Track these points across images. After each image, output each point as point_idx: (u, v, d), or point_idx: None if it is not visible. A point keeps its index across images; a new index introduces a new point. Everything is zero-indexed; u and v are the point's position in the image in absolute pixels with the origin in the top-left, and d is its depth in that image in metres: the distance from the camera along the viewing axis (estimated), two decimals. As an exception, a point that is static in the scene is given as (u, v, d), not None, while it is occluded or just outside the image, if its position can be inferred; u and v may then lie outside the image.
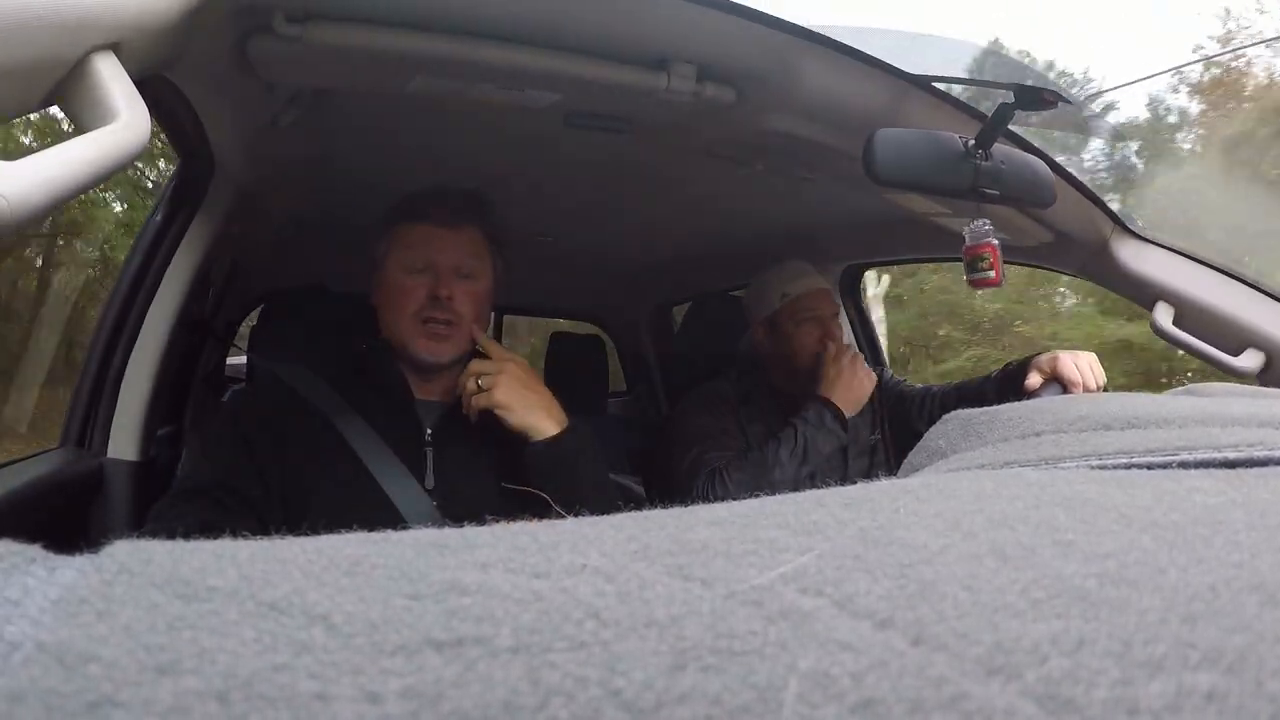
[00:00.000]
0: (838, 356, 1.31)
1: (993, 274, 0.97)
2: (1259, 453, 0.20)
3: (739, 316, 1.52)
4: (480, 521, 0.17)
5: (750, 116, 0.98)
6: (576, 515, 0.17)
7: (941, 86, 0.95)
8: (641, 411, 2.45)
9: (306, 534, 0.15)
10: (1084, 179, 1.08)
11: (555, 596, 0.13)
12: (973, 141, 0.84)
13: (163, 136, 0.96)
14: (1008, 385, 1.19)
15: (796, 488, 1.24)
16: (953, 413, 0.28)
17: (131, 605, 0.12)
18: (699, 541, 0.15)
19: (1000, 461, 0.22)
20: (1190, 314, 1.10)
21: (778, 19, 0.80)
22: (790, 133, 1.00)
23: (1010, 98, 0.82)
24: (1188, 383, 0.33)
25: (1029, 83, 0.82)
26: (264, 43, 0.77)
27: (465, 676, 0.11)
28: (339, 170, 1.33)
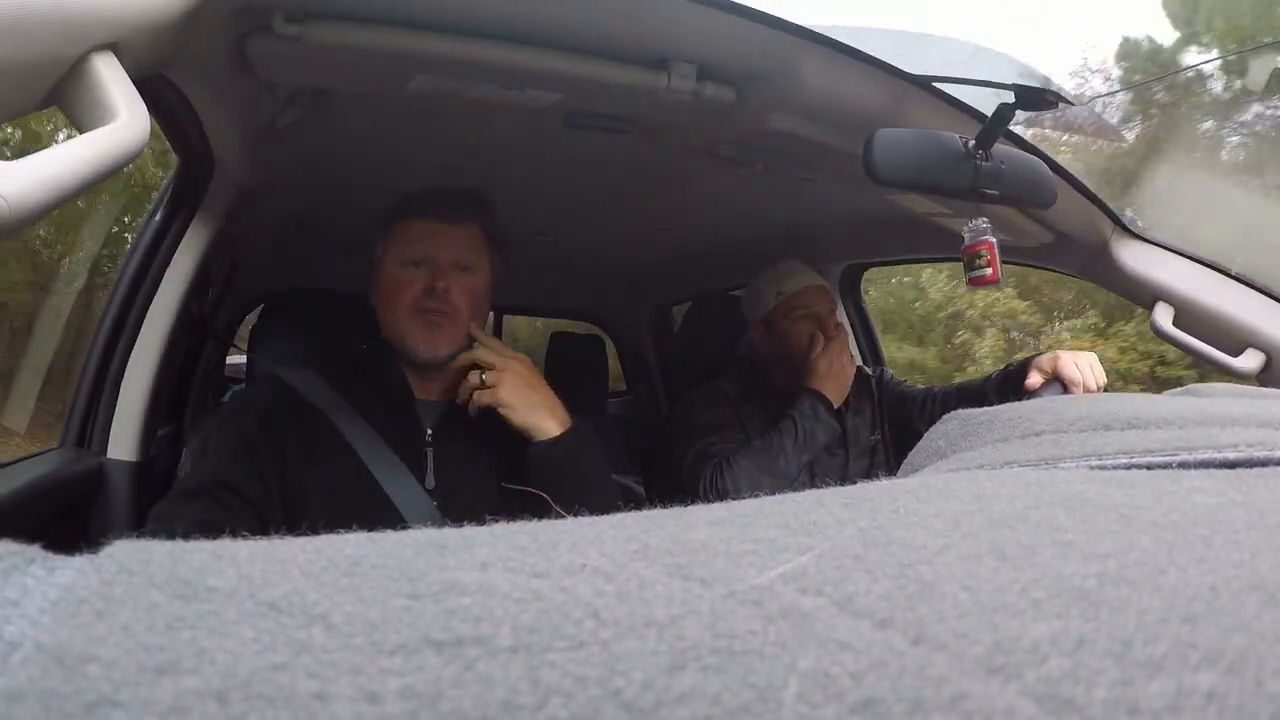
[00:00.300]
0: (826, 347, 1.31)
1: (990, 271, 0.97)
2: (1259, 453, 0.20)
3: (739, 316, 1.52)
4: (480, 521, 0.17)
5: (750, 116, 0.98)
6: (577, 515, 0.17)
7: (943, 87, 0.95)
8: (641, 411, 2.45)
9: (306, 534, 0.15)
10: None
11: (555, 596, 0.13)
12: (973, 141, 0.84)
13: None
14: (1008, 385, 1.20)
15: (798, 477, 1.24)
16: (953, 413, 0.28)
17: (131, 605, 0.12)
18: (699, 541, 0.15)
19: (1000, 461, 0.22)
20: (1190, 314, 1.10)
21: (778, 19, 0.80)
22: (790, 132, 1.00)
23: (1011, 98, 0.83)
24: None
25: (1029, 83, 0.82)
26: (263, 42, 0.77)
27: (464, 676, 0.11)
28: (338, 170, 1.33)
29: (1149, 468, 0.20)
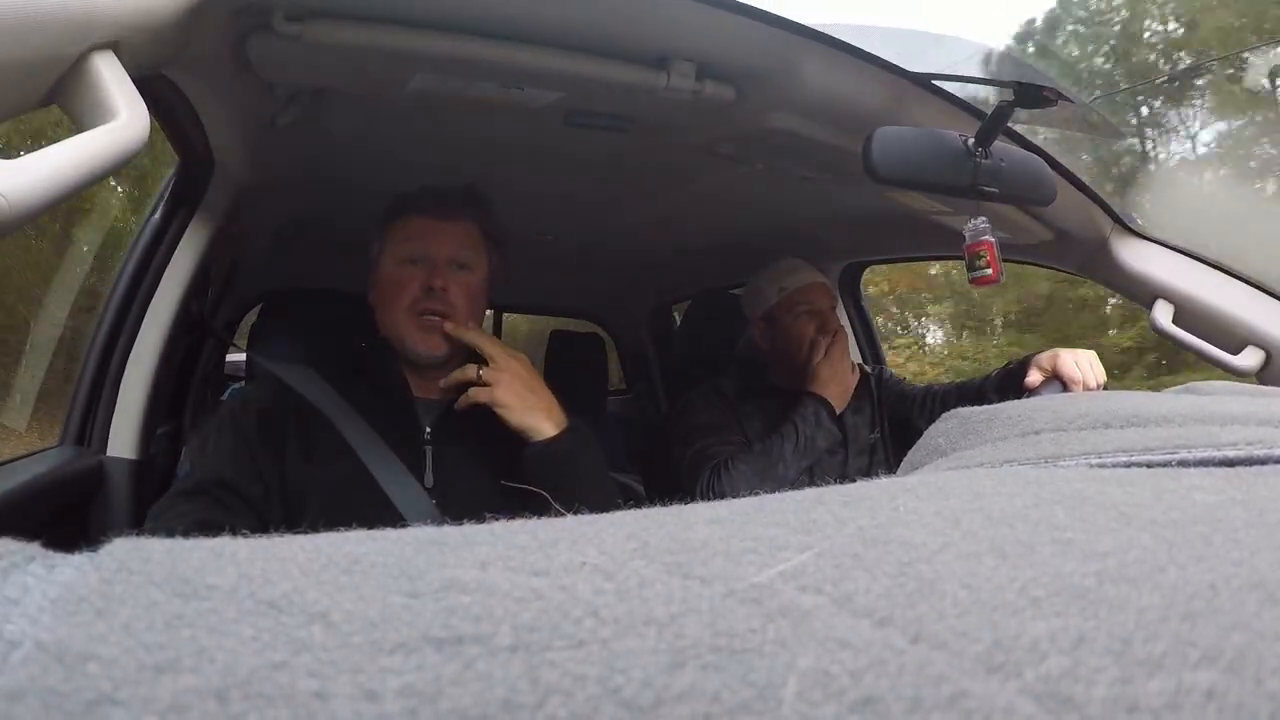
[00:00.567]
0: (829, 352, 1.31)
1: (990, 271, 0.97)
2: (1259, 451, 0.20)
3: (739, 314, 1.52)
4: (479, 520, 0.17)
5: (750, 115, 0.98)
6: (576, 514, 0.17)
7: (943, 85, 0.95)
8: (641, 410, 2.45)
9: (305, 532, 0.15)
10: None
11: (554, 594, 0.13)
12: (972, 139, 0.84)
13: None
14: (1008, 383, 1.20)
15: (796, 483, 1.24)
16: (952, 411, 0.28)
17: (130, 603, 0.12)
18: (698, 539, 0.15)
19: (1000, 459, 0.22)
20: (1189, 312, 1.10)
21: (777, 17, 0.80)
22: (790, 131, 1.00)
23: (1010, 96, 0.82)
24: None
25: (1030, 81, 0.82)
26: (263, 41, 0.77)
27: (464, 674, 0.11)
28: (338, 170, 1.33)
29: (1148, 466, 0.20)
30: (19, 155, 0.36)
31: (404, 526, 0.16)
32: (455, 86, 0.91)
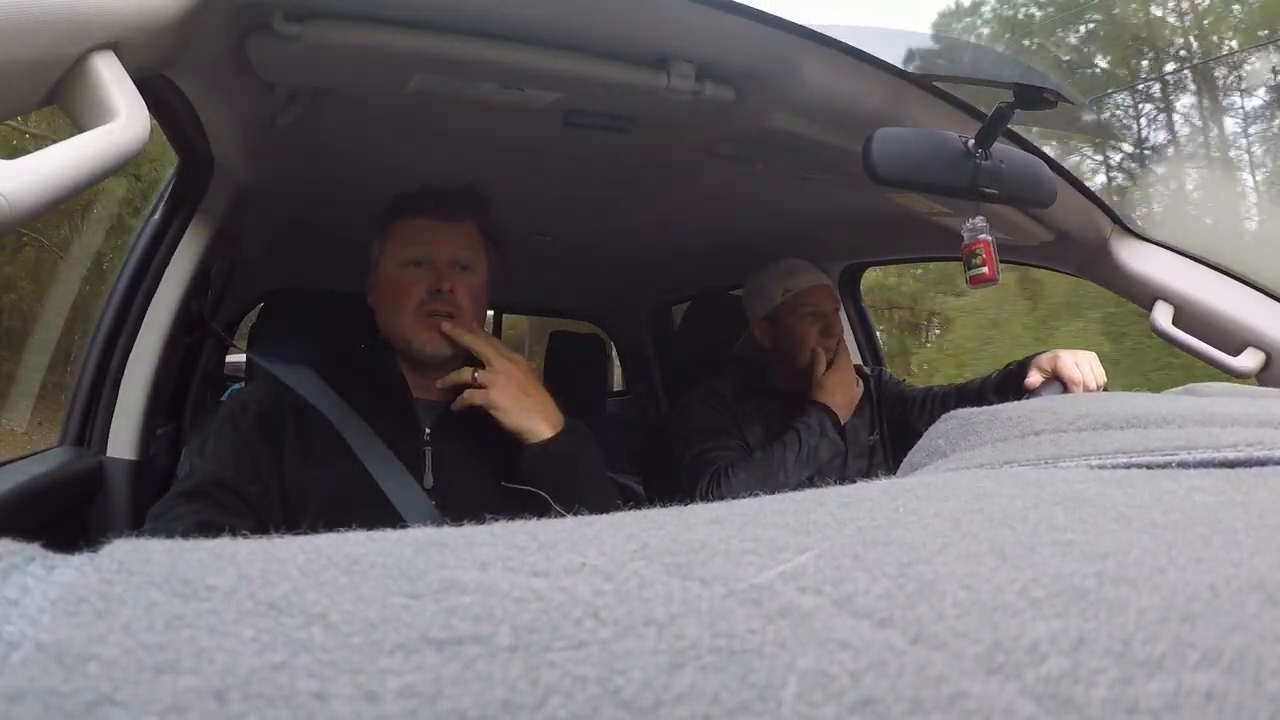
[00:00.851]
0: (835, 362, 1.31)
1: (986, 270, 0.97)
2: (1259, 453, 0.20)
3: (739, 315, 1.52)
4: (479, 520, 0.17)
5: (750, 115, 0.98)
6: (575, 515, 0.17)
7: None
8: (641, 411, 2.45)
9: (305, 533, 0.15)
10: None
11: (554, 595, 0.13)
12: (972, 140, 0.84)
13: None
14: (1008, 384, 1.19)
15: (796, 490, 1.24)
16: (952, 412, 0.28)
17: (130, 604, 0.12)
18: (698, 540, 0.15)
19: (999, 460, 0.22)
20: (1189, 313, 1.10)
21: (777, 18, 0.80)
22: (790, 131, 1.00)
23: (1010, 97, 0.82)
24: None
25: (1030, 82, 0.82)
26: (263, 41, 0.77)
27: (464, 675, 0.11)
28: (338, 170, 1.33)
29: (1148, 467, 0.20)
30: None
31: (403, 527, 0.16)
32: (455, 87, 0.91)
